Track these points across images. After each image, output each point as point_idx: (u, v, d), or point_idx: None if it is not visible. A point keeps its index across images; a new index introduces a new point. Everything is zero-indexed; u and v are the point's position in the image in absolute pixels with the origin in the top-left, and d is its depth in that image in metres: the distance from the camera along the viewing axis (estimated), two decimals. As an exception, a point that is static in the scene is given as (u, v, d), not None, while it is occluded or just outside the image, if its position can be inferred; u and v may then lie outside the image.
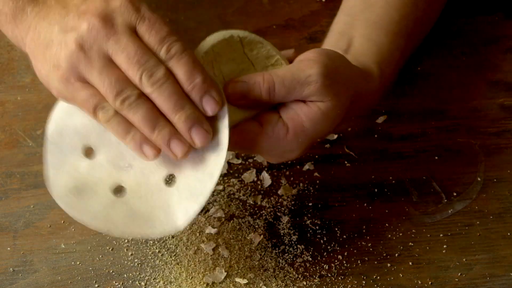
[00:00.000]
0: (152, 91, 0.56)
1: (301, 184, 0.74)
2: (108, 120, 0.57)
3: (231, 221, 0.71)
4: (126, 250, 0.70)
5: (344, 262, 0.69)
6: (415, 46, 0.78)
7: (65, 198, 0.59)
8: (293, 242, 0.70)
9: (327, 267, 0.68)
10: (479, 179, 0.74)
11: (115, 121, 0.57)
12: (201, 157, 0.58)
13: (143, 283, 0.68)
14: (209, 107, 0.57)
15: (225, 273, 0.68)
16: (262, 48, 0.62)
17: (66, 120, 0.59)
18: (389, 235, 0.70)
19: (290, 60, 0.63)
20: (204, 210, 0.72)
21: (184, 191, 0.58)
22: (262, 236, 0.70)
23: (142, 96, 0.56)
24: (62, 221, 0.72)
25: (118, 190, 0.60)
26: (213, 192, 0.73)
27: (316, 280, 0.67)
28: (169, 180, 0.60)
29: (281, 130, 0.61)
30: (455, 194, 0.73)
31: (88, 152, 0.60)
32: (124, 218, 0.59)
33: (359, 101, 0.65)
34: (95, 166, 0.59)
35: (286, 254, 0.69)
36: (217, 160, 0.58)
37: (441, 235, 0.70)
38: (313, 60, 0.60)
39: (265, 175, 0.75)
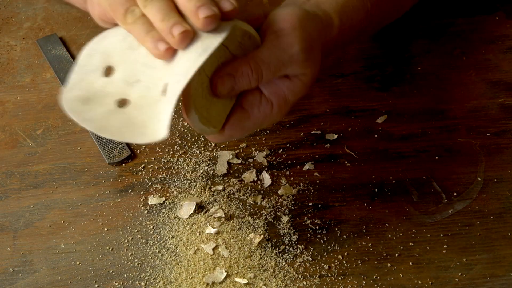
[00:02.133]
0: None
1: (301, 184, 0.74)
2: (135, 21, 0.59)
3: (231, 221, 0.71)
4: (126, 250, 0.70)
5: (344, 262, 0.69)
6: (387, 15, 0.77)
7: (71, 103, 0.61)
8: (293, 242, 0.70)
9: (327, 267, 0.68)
10: (479, 179, 0.74)
11: (140, 22, 0.59)
12: (189, 59, 0.58)
13: (143, 283, 0.68)
14: (225, 5, 0.57)
15: (225, 273, 0.68)
16: None
17: (97, 44, 0.63)
18: (389, 235, 0.70)
19: (266, 14, 0.62)
20: (204, 210, 0.72)
21: (170, 96, 0.58)
22: (262, 236, 0.70)
23: None
24: (62, 221, 0.72)
25: (123, 103, 0.61)
26: (213, 192, 0.73)
27: (316, 280, 0.67)
28: (165, 90, 0.60)
29: (266, 108, 0.62)
30: (455, 194, 0.73)
31: (108, 71, 0.62)
32: (120, 124, 0.60)
33: (324, 51, 0.65)
34: (109, 83, 0.62)
35: (286, 254, 0.69)
36: (198, 59, 0.57)
37: (441, 235, 0.70)
38: (292, 36, 0.60)
39: (265, 175, 0.75)
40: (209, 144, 0.77)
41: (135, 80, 0.62)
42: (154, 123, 0.59)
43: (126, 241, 0.70)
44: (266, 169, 0.75)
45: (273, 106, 0.62)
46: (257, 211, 0.72)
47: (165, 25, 0.57)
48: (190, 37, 0.57)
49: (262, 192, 0.74)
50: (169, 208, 0.73)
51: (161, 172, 0.75)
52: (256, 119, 0.62)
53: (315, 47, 0.62)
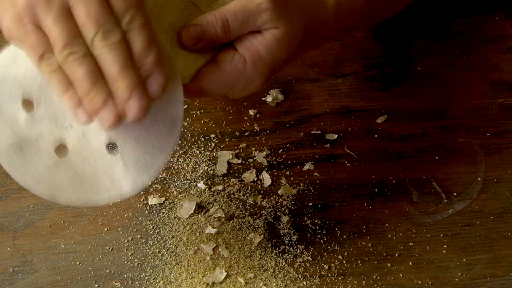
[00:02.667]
0: (102, 53, 0.53)
1: (301, 184, 0.74)
2: (52, 71, 0.54)
3: (231, 221, 0.71)
4: (126, 250, 0.70)
5: (344, 262, 0.69)
6: (391, 4, 0.76)
7: (7, 157, 0.56)
8: (293, 242, 0.70)
9: (327, 267, 0.68)
10: (479, 179, 0.74)
11: (58, 75, 0.53)
12: (149, 128, 0.56)
13: (143, 283, 0.68)
14: (153, 88, 0.54)
15: (225, 273, 0.68)
16: None
17: (9, 67, 0.56)
18: (389, 235, 0.70)
19: None
20: (204, 210, 0.72)
21: (129, 161, 0.56)
22: (262, 236, 0.70)
23: (89, 56, 0.53)
24: (62, 221, 0.72)
25: (61, 150, 0.56)
26: (213, 192, 0.73)
27: (316, 280, 0.67)
28: (112, 147, 0.57)
29: (239, 63, 0.61)
30: (455, 194, 0.73)
31: (28, 105, 0.56)
32: (69, 181, 0.56)
33: (311, 30, 0.64)
34: (35, 120, 0.56)
35: (286, 254, 0.69)
36: (170, 136, 0.56)
37: (441, 235, 0.70)
38: None
39: (265, 175, 0.75)
40: (209, 144, 0.77)
41: (67, 124, 0.56)
42: (105, 179, 0.56)
43: (126, 241, 0.70)
44: (266, 169, 0.75)
45: (246, 61, 0.61)
46: (257, 211, 0.72)
47: (95, 101, 0.53)
48: (117, 121, 0.53)
49: (262, 192, 0.74)
50: (169, 208, 0.73)
51: (161, 172, 0.75)
52: (227, 73, 0.61)
53: (291, 7, 0.61)
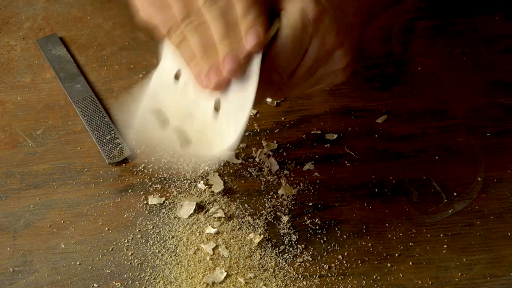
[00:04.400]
0: (209, 19, 0.59)
1: (301, 184, 0.74)
2: (179, 43, 0.61)
3: (231, 221, 0.71)
4: (126, 250, 0.70)
5: (344, 262, 0.69)
6: None
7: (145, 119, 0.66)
8: (293, 242, 0.70)
9: (327, 267, 0.68)
10: (479, 179, 0.74)
11: (183, 45, 0.61)
12: (241, 86, 0.62)
13: (143, 283, 0.68)
14: (250, 40, 0.58)
15: (225, 273, 0.68)
16: None
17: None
18: (389, 235, 0.70)
19: None
20: (204, 210, 0.72)
21: (229, 119, 0.62)
22: (262, 236, 0.70)
23: (204, 24, 0.60)
24: (62, 221, 0.72)
25: (185, 143, 0.66)
26: (213, 192, 0.73)
27: (316, 280, 0.67)
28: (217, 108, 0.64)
29: (299, 19, 0.60)
30: (455, 194, 0.73)
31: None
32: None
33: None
34: (168, 134, 0.66)
35: (286, 254, 0.69)
36: (249, 99, 0.61)
37: (441, 235, 0.70)
38: None
39: (272, 160, 0.75)
40: (209, 144, 0.77)
41: (188, 114, 0.65)
42: (217, 142, 0.63)
43: (126, 241, 0.71)
44: (273, 155, 0.75)
45: (307, 13, 0.60)
46: (257, 211, 0.72)
47: (202, 66, 0.60)
48: (225, 84, 0.60)
49: (262, 192, 0.74)
50: (169, 208, 0.73)
51: (161, 172, 0.75)
52: (294, 36, 0.61)
53: None
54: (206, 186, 0.74)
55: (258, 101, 0.62)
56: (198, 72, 0.60)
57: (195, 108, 0.64)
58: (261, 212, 0.72)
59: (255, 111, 0.79)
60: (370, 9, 0.67)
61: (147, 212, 0.72)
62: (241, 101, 0.61)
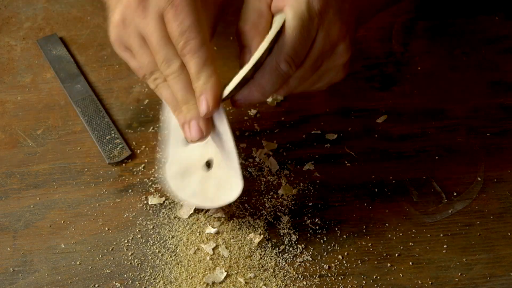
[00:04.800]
0: (169, 80, 0.63)
1: (301, 184, 0.74)
2: (156, 88, 0.65)
3: (231, 221, 0.71)
4: (126, 250, 0.70)
5: (344, 262, 0.69)
6: None
7: (173, 181, 0.71)
8: (293, 242, 0.70)
9: (327, 267, 0.68)
10: (479, 179, 0.74)
11: (160, 90, 0.64)
12: (219, 138, 0.66)
13: (143, 283, 0.68)
14: (202, 109, 0.62)
15: (225, 273, 0.68)
16: None
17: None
18: (389, 235, 0.70)
19: None
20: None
21: (236, 160, 0.66)
22: (262, 236, 0.70)
23: (168, 79, 0.63)
24: (62, 221, 0.72)
25: (207, 165, 0.70)
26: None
27: (316, 280, 0.67)
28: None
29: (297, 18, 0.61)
30: (455, 194, 0.73)
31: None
32: (213, 189, 0.69)
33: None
34: (191, 151, 0.71)
35: (286, 254, 0.69)
36: (227, 137, 0.65)
37: (441, 235, 0.70)
38: None
39: (272, 161, 0.75)
40: (209, 144, 0.77)
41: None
42: (233, 177, 0.66)
43: (126, 241, 0.71)
44: (273, 155, 0.75)
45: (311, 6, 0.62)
46: (257, 211, 0.72)
47: (183, 116, 0.64)
48: (205, 134, 0.63)
49: (262, 192, 0.74)
50: (169, 208, 0.73)
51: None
52: (295, 33, 0.62)
53: None
54: (206, 186, 0.74)
55: (267, 95, 0.64)
56: (181, 122, 0.64)
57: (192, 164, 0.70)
58: (261, 212, 0.72)
59: (255, 111, 0.79)
60: (360, 11, 0.68)
61: (147, 212, 0.72)
62: (226, 150, 0.65)
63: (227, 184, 0.68)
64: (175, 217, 0.72)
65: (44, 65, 0.85)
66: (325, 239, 0.70)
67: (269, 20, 0.63)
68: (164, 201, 0.73)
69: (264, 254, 0.69)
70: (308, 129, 0.79)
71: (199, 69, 0.61)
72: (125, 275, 0.68)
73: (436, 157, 0.76)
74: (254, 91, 0.63)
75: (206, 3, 0.65)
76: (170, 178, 0.71)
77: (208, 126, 0.63)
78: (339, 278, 0.68)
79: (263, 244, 0.70)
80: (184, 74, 0.62)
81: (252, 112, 0.80)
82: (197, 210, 0.72)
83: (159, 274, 0.68)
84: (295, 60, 0.62)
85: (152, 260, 0.69)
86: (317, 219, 0.72)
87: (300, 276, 0.68)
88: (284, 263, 0.69)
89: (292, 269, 0.68)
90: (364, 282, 0.67)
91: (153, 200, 0.73)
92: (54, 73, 0.84)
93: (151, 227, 0.71)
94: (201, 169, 0.71)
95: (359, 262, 0.69)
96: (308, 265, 0.69)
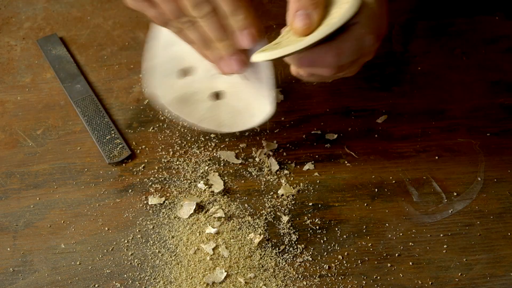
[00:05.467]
0: (201, 22, 0.64)
1: (301, 184, 0.74)
2: (178, 32, 0.67)
3: (231, 221, 0.71)
4: (126, 250, 0.70)
5: (344, 262, 0.69)
6: None
7: (173, 105, 0.72)
8: (293, 242, 0.70)
9: (327, 267, 0.68)
10: (479, 179, 0.74)
11: (183, 34, 0.67)
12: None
13: (143, 283, 0.68)
14: (245, 41, 0.64)
15: (225, 273, 0.68)
16: None
17: (166, 50, 0.73)
18: (389, 235, 0.70)
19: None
20: (204, 210, 0.72)
21: (265, 87, 0.68)
22: (262, 236, 0.70)
23: (197, 22, 0.65)
24: (62, 221, 0.72)
25: (218, 95, 0.72)
26: (213, 192, 0.73)
27: (316, 280, 0.67)
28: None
29: None
30: (455, 194, 0.73)
31: (184, 73, 0.73)
32: (228, 115, 0.71)
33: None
34: (192, 81, 0.73)
35: (286, 254, 0.69)
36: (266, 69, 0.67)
37: (441, 235, 0.70)
38: None
39: (272, 160, 0.75)
40: (209, 144, 0.77)
41: (213, 74, 0.70)
42: (255, 104, 0.69)
43: (126, 241, 0.71)
44: (273, 155, 0.75)
45: None
46: (257, 211, 0.72)
47: (221, 51, 0.66)
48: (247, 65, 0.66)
49: (262, 192, 0.74)
50: (169, 208, 0.73)
51: (161, 172, 0.75)
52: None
53: None
54: (206, 186, 0.74)
55: (340, 64, 0.61)
56: (216, 58, 0.66)
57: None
58: (261, 212, 0.72)
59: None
60: None
61: (147, 212, 0.72)
62: (260, 75, 0.68)
63: (246, 112, 0.70)
64: (175, 217, 0.72)
65: (44, 65, 0.85)
66: (325, 239, 0.70)
67: None
68: (164, 201, 0.73)
69: (264, 254, 0.69)
70: (308, 129, 0.79)
71: (235, 8, 0.63)
72: (125, 275, 0.68)
73: (436, 157, 0.76)
74: (329, 55, 0.60)
75: None
76: (169, 105, 0.72)
77: (248, 58, 0.65)
78: (339, 278, 0.68)
79: (263, 244, 0.70)
80: (216, 15, 0.64)
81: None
82: (197, 210, 0.72)
83: (159, 274, 0.68)
84: (379, 37, 0.62)
85: (152, 260, 0.69)
86: (317, 219, 0.72)
87: (300, 276, 0.68)
88: (284, 263, 0.69)
89: (292, 269, 0.68)
90: (364, 282, 0.67)
91: (153, 200, 0.73)
92: (54, 73, 0.84)
93: (151, 227, 0.71)
94: (207, 99, 0.72)
95: (359, 262, 0.69)
96: (308, 265, 0.69)
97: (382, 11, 0.63)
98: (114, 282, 0.68)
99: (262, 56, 0.60)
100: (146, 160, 0.76)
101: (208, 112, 0.72)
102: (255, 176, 0.75)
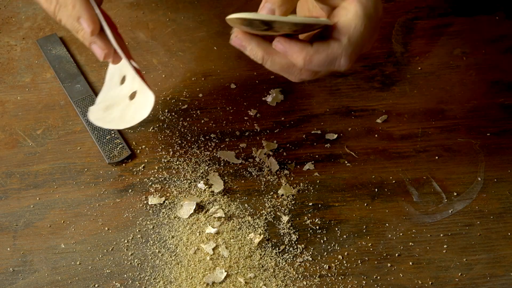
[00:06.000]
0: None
1: (301, 184, 0.74)
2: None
3: (231, 221, 0.71)
4: (126, 250, 0.70)
5: (344, 262, 0.69)
6: None
7: (96, 114, 0.74)
8: (293, 242, 0.70)
9: (327, 267, 0.68)
10: (479, 179, 0.74)
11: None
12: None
13: (143, 283, 0.68)
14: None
15: (225, 273, 0.68)
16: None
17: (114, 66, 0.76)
18: (389, 235, 0.70)
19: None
20: (204, 210, 0.72)
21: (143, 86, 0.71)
22: (262, 236, 0.70)
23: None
24: (62, 221, 0.72)
25: (133, 96, 0.73)
26: (213, 192, 0.73)
27: (316, 280, 0.67)
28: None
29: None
30: (455, 194, 0.73)
31: (122, 80, 0.75)
32: (132, 113, 0.72)
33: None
34: (124, 87, 0.74)
35: (286, 254, 0.69)
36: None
37: (441, 235, 0.70)
38: None
39: (272, 161, 0.75)
40: (209, 144, 0.77)
41: (132, 77, 0.72)
42: (148, 98, 0.70)
43: (126, 241, 0.70)
44: (273, 155, 0.75)
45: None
46: (257, 211, 0.72)
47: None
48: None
49: (262, 192, 0.74)
50: (169, 208, 0.73)
51: (161, 172, 0.75)
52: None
53: None
54: (206, 186, 0.74)
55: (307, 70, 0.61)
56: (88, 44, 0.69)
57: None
58: (261, 212, 0.72)
59: (255, 111, 0.79)
60: None
61: (147, 212, 0.72)
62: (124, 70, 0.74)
63: (143, 104, 0.70)
64: (175, 217, 0.72)
65: (44, 65, 0.85)
66: (325, 239, 0.70)
67: None
68: (164, 201, 0.73)
69: (264, 254, 0.69)
70: (308, 129, 0.79)
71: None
72: (125, 275, 0.68)
73: (436, 157, 0.76)
74: (300, 56, 0.60)
75: None
76: (92, 114, 0.74)
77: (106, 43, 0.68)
78: (339, 278, 0.68)
79: (263, 244, 0.70)
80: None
81: (252, 112, 0.79)
82: (197, 210, 0.72)
83: (159, 274, 0.68)
84: (357, 58, 0.61)
85: (152, 260, 0.69)
86: (317, 219, 0.72)
87: (300, 276, 0.68)
88: (284, 263, 0.69)
89: (292, 269, 0.68)
90: (364, 282, 0.67)
91: (153, 200, 0.73)
92: (54, 73, 0.84)
93: (151, 227, 0.71)
94: (127, 100, 0.73)
95: (359, 262, 0.69)
96: (308, 265, 0.69)
97: (371, 33, 0.61)
98: (114, 282, 0.68)
99: (239, 15, 0.59)
100: (146, 160, 0.76)
101: (119, 113, 0.74)
102: (255, 176, 0.75)
